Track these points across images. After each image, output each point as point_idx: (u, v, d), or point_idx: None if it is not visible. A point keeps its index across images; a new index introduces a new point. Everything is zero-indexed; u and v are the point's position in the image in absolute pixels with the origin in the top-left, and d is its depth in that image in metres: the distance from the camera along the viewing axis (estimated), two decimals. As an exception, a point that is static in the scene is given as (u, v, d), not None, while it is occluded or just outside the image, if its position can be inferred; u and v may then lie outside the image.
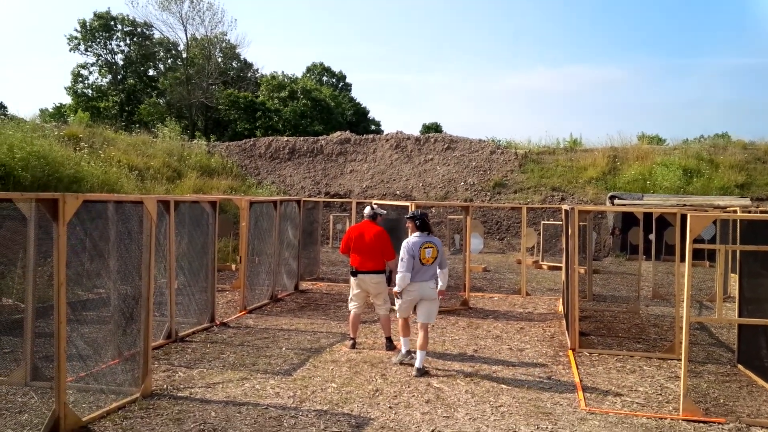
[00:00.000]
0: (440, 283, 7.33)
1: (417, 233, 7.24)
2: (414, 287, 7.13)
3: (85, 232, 5.92)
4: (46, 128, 20.82)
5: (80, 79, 44.19)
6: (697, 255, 16.42)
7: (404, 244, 7.21)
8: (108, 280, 6.28)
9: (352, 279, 8.02)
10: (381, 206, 8.67)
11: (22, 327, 6.16)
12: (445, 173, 25.99)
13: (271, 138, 29.85)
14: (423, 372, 6.99)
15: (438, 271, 7.29)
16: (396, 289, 7.25)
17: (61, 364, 4.87)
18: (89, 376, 5.86)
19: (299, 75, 50.58)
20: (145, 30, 44.58)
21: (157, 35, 45.07)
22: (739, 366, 7.49)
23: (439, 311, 7.77)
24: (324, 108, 42.07)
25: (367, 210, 8.17)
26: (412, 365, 7.16)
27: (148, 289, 6.09)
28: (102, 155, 19.51)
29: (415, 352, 7.16)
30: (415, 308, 7.32)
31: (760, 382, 6.84)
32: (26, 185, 12.69)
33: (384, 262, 7.87)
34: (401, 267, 7.12)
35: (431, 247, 7.15)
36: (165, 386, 6.23)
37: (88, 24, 42.93)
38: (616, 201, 20.68)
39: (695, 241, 5.74)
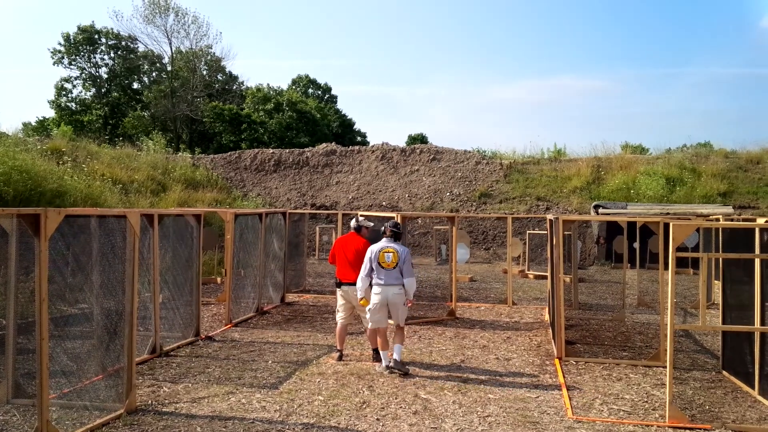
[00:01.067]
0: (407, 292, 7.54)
1: (384, 239, 7.64)
2: (377, 290, 7.41)
3: (68, 247, 5.87)
4: (29, 142, 20.65)
5: (64, 92, 43.89)
6: (681, 263, 16.58)
7: (368, 248, 7.63)
8: (91, 295, 6.21)
9: (338, 290, 8.04)
10: (367, 218, 8.70)
11: (3, 343, 6.07)
12: (431, 184, 26.05)
13: (256, 150, 29.78)
14: (399, 365, 7.26)
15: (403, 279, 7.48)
16: (359, 294, 7.55)
17: (43, 380, 4.81)
18: (72, 392, 5.78)
19: (285, 87, 50.67)
20: (129, 43, 44.43)
21: (141, 48, 44.98)
22: (724, 372, 7.54)
23: (426, 321, 7.83)
24: (309, 120, 42.09)
25: (352, 222, 8.29)
26: (396, 372, 7.26)
27: (132, 304, 6.04)
28: (85, 169, 19.35)
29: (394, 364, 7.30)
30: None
31: (745, 388, 6.90)
32: (8, 200, 12.56)
33: None
34: (361, 271, 7.52)
35: (391, 252, 7.46)
36: (150, 402, 6.17)
37: (71, 37, 42.71)
38: (601, 210, 20.81)
39: (678, 249, 5.78)
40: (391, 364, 7.30)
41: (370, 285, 7.50)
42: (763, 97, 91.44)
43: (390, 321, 7.67)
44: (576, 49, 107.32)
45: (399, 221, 7.96)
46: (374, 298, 7.44)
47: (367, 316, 7.56)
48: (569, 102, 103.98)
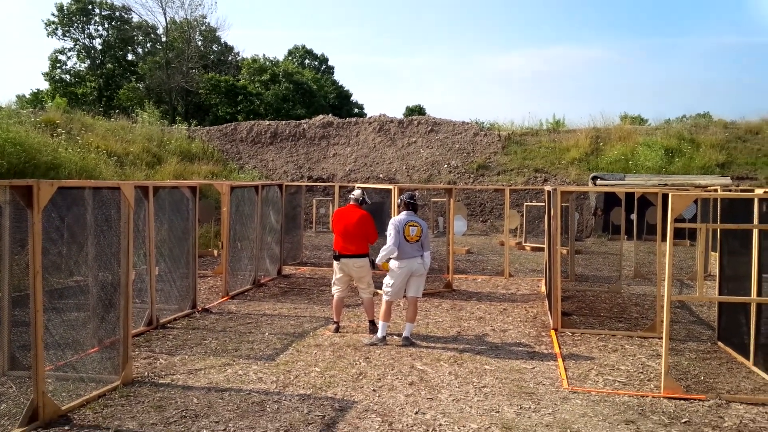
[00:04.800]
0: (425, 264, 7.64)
1: (404, 212, 7.62)
2: (403, 264, 7.42)
3: (62, 219, 5.82)
4: (23, 114, 20.49)
5: (58, 64, 43.37)
6: (678, 234, 16.57)
7: (391, 220, 7.63)
8: (86, 267, 6.18)
9: (335, 263, 7.97)
10: (364, 190, 8.56)
11: (-2, 316, 6.05)
12: (428, 156, 25.94)
13: (252, 122, 29.58)
14: (409, 342, 7.36)
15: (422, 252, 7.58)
16: (378, 260, 7.52)
17: (38, 352, 4.80)
18: (68, 364, 5.78)
19: (281, 58, 50.13)
20: (123, 14, 43.84)
21: (135, 19, 44.39)
22: (719, 343, 7.57)
23: (423, 293, 7.83)
24: (306, 91, 41.71)
25: (356, 192, 8.08)
26: (392, 343, 7.23)
27: (127, 276, 6.01)
28: (80, 141, 19.23)
29: (398, 335, 7.27)
30: None
31: (740, 358, 6.92)
32: (2, 172, 12.49)
33: (367, 246, 7.87)
34: (389, 241, 7.42)
35: (415, 226, 7.48)
36: (146, 373, 6.18)
37: (65, 8, 42.11)
38: (599, 182, 20.76)
39: (676, 220, 5.75)
40: (401, 342, 7.38)
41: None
42: (763, 67, 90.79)
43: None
44: (574, 18, 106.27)
45: (415, 193, 7.95)
46: (397, 272, 7.43)
47: (386, 288, 7.52)
48: (568, 72, 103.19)
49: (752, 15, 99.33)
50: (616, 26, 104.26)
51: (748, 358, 6.73)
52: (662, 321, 6.16)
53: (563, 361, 6.84)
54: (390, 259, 7.47)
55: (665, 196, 6.57)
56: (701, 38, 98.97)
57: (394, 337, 7.62)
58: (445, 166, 25.30)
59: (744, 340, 6.88)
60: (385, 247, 7.45)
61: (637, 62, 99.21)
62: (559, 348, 7.37)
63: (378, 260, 7.52)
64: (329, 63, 53.59)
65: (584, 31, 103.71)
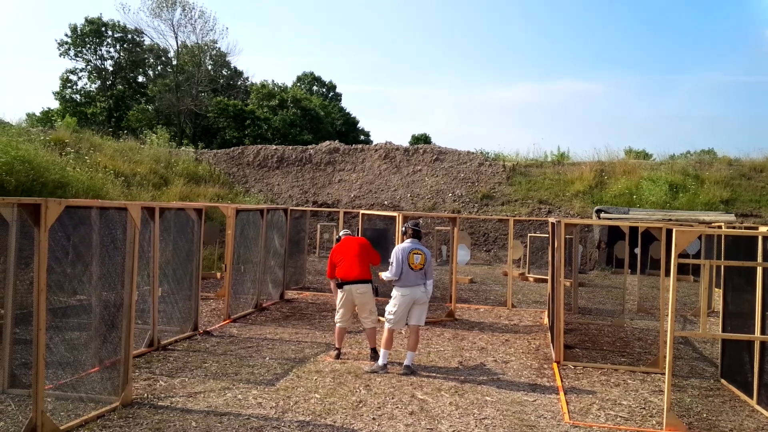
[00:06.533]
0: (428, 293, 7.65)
1: (408, 240, 7.62)
2: (406, 292, 7.41)
3: (68, 237, 5.85)
4: (32, 133, 20.67)
5: (69, 84, 43.92)
6: (682, 269, 16.54)
7: (395, 249, 7.60)
8: (90, 286, 6.19)
9: (338, 293, 7.97)
10: (369, 216, 8.74)
11: (0, 333, 6.06)
12: (433, 184, 26.02)
13: (259, 146, 29.75)
14: (410, 371, 7.32)
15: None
16: (383, 276, 7.57)
17: (39, 371, 4.80)
18: (68, 383, 5.77)
19: (289, 84, 50.66)
20: (135, 36, 44.46)
21: (147, 42, 45.01)
22: (722, 381, 7.51)
23: (425, 322, 7.82)
24: (313, 117, 42.05)
25: (343, 231, 8.55)
26: (392, 372, 7.18)
27: (131, 297, 6.03)
28: (88, 161, 19.36)
29: (400, 364, 7.24)
30: None
31: (743, 396, 6.87)
32: (10, 190, 12.56)
33: (370, 272, 7.91)
34: (390, 270, 7.48)
35: (419, 254, 7.48)
36: (145, 395, 6.15)
37: (79, 29, 42.73)
38: (603, 215, 20.77)
39: (680, 255, 5.76)
40: (402, 371, 7.33)
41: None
42: (765, 106, 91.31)
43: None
44: (578, 53, 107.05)
45: (419, 221, 8.00)
46: (400, 300, 7.43)
47: (388, 316, 7.51)
48: (572, 105, 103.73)
49: (756, 54, 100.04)
50: (619, 61, 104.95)
51: (751, 397, 6.68)
52: (665, 356, 6.13)
53: (565, 394, 6.79)
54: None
55: (669, 231, 6.59)
56: (703, 75, 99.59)
57: (395, 365, 7.59)
58: (450, 195, 25.36)
59: (747, 378, 6.83)
60: (385, 274, 7.51)
61: (641, 98, 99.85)
62: (561, 381, 7.32)
63: (383, 276, 7.58)
64: (337, 90, 54.20)
65: (587, 65, 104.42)
